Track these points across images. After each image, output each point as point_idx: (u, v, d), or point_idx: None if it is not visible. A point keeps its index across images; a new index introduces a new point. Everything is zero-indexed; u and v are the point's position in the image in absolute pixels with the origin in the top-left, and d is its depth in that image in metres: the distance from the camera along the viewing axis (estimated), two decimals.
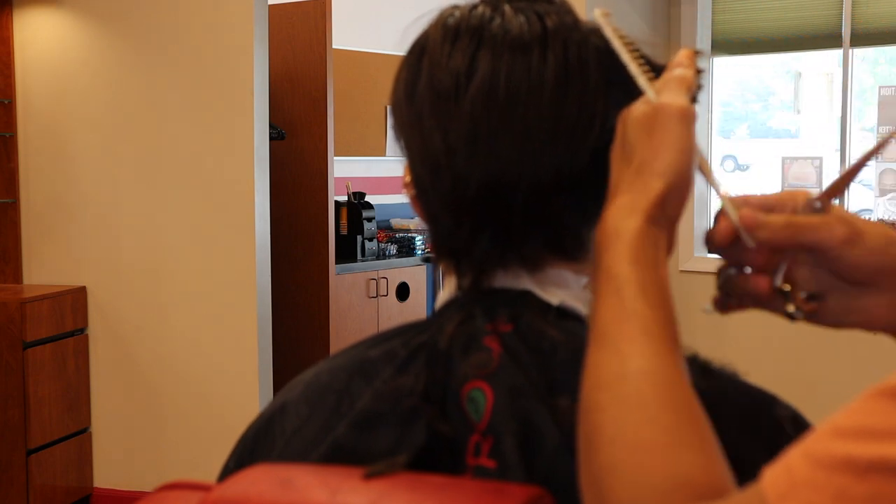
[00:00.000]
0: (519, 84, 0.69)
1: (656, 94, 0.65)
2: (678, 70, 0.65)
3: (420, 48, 0.74)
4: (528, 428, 0.66)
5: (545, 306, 0.71)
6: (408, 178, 0.76)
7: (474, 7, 0.74)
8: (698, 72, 0.69)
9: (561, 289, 0.73)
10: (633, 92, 0.67)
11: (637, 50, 0.70)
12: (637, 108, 0.64)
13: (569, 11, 0.74)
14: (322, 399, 0.74)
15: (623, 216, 0.60)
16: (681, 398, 0.54)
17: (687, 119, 0.62)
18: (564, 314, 0.72)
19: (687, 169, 0.61)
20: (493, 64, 0.69)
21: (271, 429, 0.76)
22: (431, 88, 0.71)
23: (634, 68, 0.68)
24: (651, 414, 0.53)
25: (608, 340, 0.57)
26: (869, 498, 0.41)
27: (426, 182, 0.72)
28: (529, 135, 0.69)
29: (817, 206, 0.65)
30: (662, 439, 0.52)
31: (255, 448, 0.77)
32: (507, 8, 0.72)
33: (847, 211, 0.67)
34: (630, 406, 0.53)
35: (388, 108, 0.77)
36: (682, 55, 0.67)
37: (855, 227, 0.63)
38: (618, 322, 0.57)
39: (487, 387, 0.67)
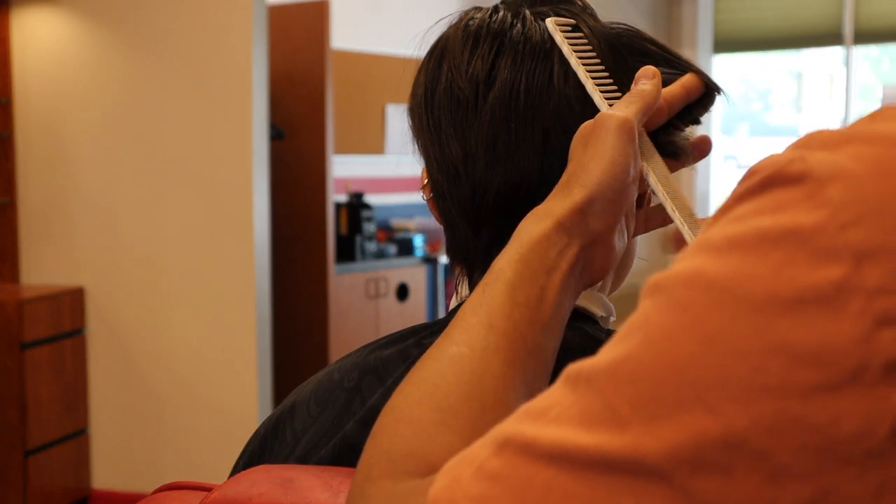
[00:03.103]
0: (539, 92, 0.68)
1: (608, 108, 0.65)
2: (639, 85, 0.66)
3: (440, 52, 0.73)
4: None
5: None
6: (425, 181, 0.75)
7: (495, 11, 0.73)
8: (708, 92, 0.69)
9: None
10: None
11: (597, 60, 0.69)
12: (586, 123, 0.64)
13: (590, 15, 0.73)
14: (333, 397, 0.73)
15: (533, 221, 0.60)
16: (482, 389, 0.53)
17: (622, 130, 0.62)
18: (579, 316, 0.71)
19: (614, 181, 0.61)
20: (512, 71, 0.69)
21: (281, 428, 0.76)
22: (451, 95, 0.70)
23: (590, 84, 0.67)
24: (435, 395, 0.53)
25: (451, 326, 0.57)
26: (497, 473, 0.40)
27: (444, 188, 0.72)
28: (548, 143, 0.68)
29: None
30: (428, 416, 0.52)
31: (265, 447, 0.76)
32: (528, 13, 0.71)
33: None
34: (423, 384, 0.54)
35: (407, 110, 0.76)
36: (643, 71, 0.67)
37: None
38: (469, 312, 0.57)
39: None
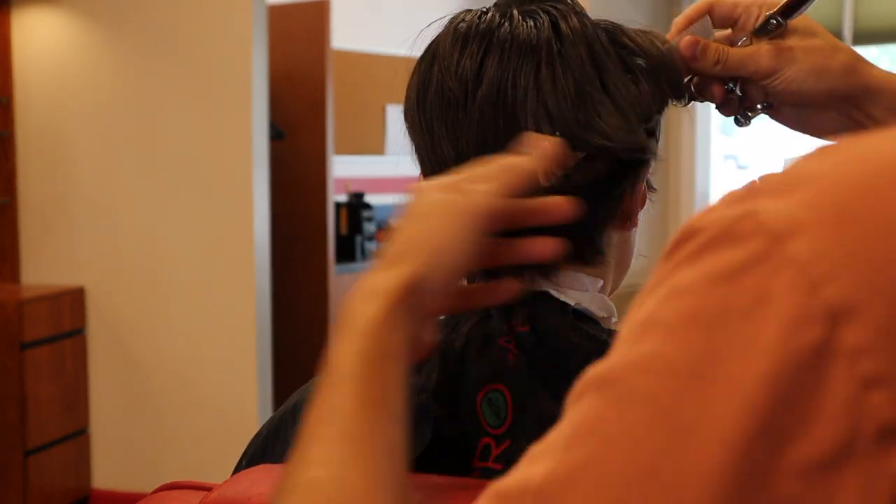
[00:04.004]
0: (526, 90, 0.68)
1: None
2: (520, 150, 0.62)
3: (431, 54, 0.74)
4: (545, 431, 0.64)
5: (562, 307, 0.70)
6: None
7: (484, 12, 0.73)
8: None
9: (577, 291, 0.72)
10: (630, 97, 0.67)
11: None
12: (424, 185, 0.61)
13: (578, 13, 0.73)
14: None
15: (364, 298, 0.55)
16: None
17: (471, 220, 0.58)
18: (581, 316, 0.71)
19: (448, 262, 0.57)
20: (500, 69, 0.69)
21: (283, 428, 0.76)
22: (441, 96, 0.71)
23: None
24: None
25: (304, 442, 0.52)
26: None
27: None
28: None
29: (772, 25, 0.70)
30: None
31: (266, 448, 0.77)
32: (515, 12, 0.72)
33: (801, 32, 0.71)
34: None
35: (402, 113, 0.77)
36: (529, 139, 0.64)
37: (784, 58, 0.70)
38: (320, 422, 0.52)
39: (506, 390, 0.66)
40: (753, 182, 0.36)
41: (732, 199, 0.36)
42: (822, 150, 0.37)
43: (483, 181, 0.59)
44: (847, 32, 4.67)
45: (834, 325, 0.32)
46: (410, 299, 0.55)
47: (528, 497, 0.35)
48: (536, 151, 0.62)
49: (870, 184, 0.33)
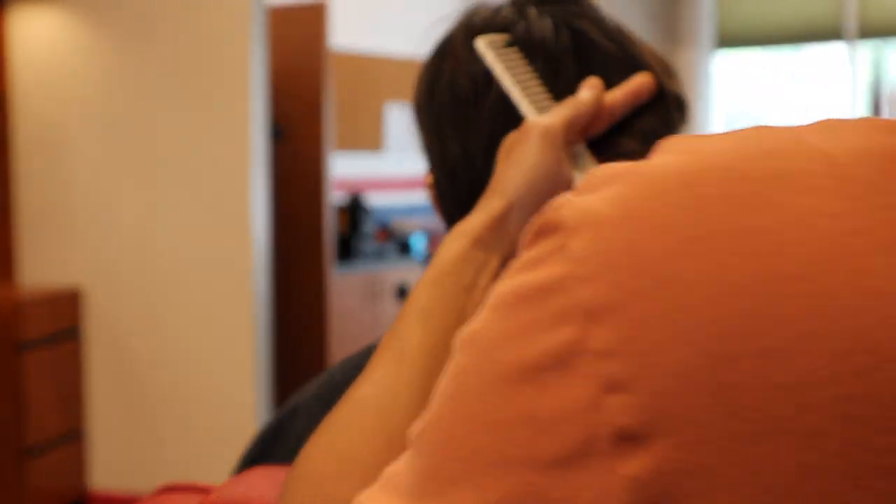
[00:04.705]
0: None
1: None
2: (579, 93, 0.63)
3: (443, 50, 0.72)
4: None
5: None
6: (429, 180, 0.74)
7: (499, 9, 0.71)
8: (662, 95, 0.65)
9: None
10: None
11: (531, 73, 0.67)
12: (512, 133, 0.63)
13: (594, 13, 0.71)
14: (334, 398, 0.72)
15: (451, 240, 0.58)
16: (389, 428, 0.50)
17: (544, 137, 0.60)
18: None
19: (532, 186, 0.59)
20: None
21: (283, 430, 0.75)
22: (451, 93, 0.69)
23: (517, 92, 0.65)
24: (338, 444, 0.50)
25: (368, 364, 0.55)
26: None
27: (445, 188, 0.71)
28: None
29: None
30: (328, 470, 0.49)
31: (265, 449, 0.76)
32: (531, 11, 0.70)
33: None
34: (327, 434, 0.51)
35: (411, 108, 0.75)
36: (586, 80, 0.65)
37: None
38: (382, 346, 0.55)
39: None
40: (595, 171, 0.37)
41: (575, 188, 0.37)
42: (661, 145, 0.36)
43: (553, 112, 0.62)
44: (851, 28, 4.67)
45: (587, 325, 0.32)
46: (494, 235, 0.58)
47: (411, 443, 0.38)
48: (593, 92, 0.63)
49: (663, 184, 0.33)
